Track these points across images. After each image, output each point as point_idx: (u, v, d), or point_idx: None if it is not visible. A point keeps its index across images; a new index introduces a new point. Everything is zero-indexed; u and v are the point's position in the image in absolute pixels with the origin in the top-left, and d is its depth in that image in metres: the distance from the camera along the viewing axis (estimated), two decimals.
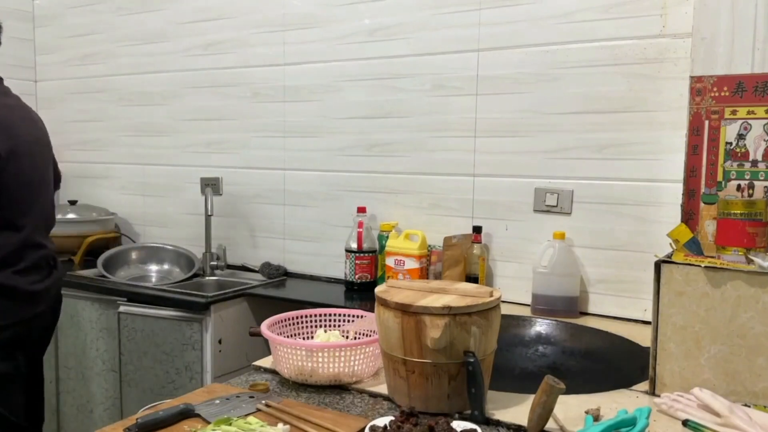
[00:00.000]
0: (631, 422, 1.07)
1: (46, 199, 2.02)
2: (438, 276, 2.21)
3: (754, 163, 1.63)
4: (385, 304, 1.23)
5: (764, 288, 1.21)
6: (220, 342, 2.25)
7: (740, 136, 1.64)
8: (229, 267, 2.76)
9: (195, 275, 2.69)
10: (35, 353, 2.01)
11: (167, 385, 2.30)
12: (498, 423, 1.19)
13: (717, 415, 1.13)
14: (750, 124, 1.63)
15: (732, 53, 1.65)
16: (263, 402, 1.24)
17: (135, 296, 2.39)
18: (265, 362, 1.49)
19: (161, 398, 1.48)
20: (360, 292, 2.36)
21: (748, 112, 1.63)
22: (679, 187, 1.74)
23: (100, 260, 2.70)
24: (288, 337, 1.49)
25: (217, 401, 1.25)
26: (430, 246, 2.27)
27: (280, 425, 1.13)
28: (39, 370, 2.06)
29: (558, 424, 1.16)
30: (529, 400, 1.15)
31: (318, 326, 1.56)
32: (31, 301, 1.89)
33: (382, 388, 1.32)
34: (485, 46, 2.18)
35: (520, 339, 1.87)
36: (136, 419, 1.14)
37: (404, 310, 1.19)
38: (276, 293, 2.42)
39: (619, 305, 2.00)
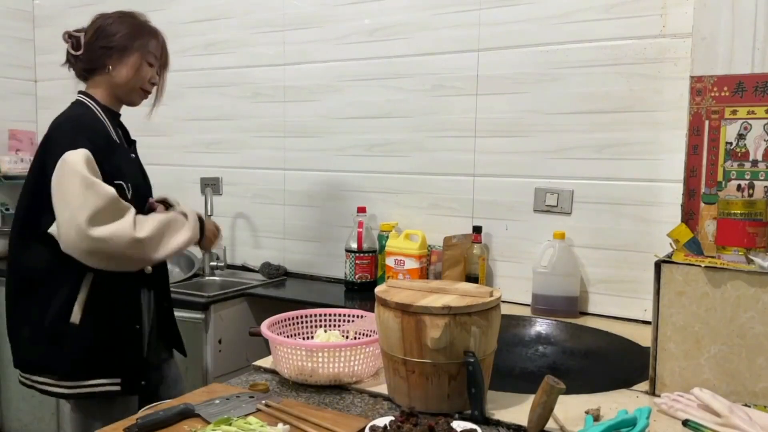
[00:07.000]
0: (631, 422, 1.07)
1: None
2: (438, 276, 2.21)
3: (754, 163, 1.63)
4: (385, 304, 1.23)
5: (764, 288, 1.21)
6: (220, 342, 2.25)
7: (740, 136, 1.64)
8: (229, 267, 2.76)
9: (195, 275, 2.69)
10: None
11: None
12: (498, 423, 1.19)
13: (717, 415, 1.13)
14: (750, 124, 1.63)
15: (732, 53, 1.65)
16: (263, 402, 1.24)
17: None
18: (265, 362, 1.49)
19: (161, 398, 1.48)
20: (360, 292, 2.36)
21: (748, 112, 1.63)
22: (679, 187, 1.74)
23: None
24: (288, 337, 1.49)
25: (217, 401, 1.25)
26: (430, 246, 2.27)
27: (280, 425, 1.13)
28: None
29: (558, 424, 1.16)
30: (529, 400, 1.15)
31: (318, 326, 1.56)
32: None
33: (382, 388, 1.32)
34: (485, 46, 2.18)
35: (520, 339, 1.87)
36: (136, 419, 1.14)
37: (404, 310, 1.19)
38: (276, 293, 2.42)
39: (619, 305, 2.00)
